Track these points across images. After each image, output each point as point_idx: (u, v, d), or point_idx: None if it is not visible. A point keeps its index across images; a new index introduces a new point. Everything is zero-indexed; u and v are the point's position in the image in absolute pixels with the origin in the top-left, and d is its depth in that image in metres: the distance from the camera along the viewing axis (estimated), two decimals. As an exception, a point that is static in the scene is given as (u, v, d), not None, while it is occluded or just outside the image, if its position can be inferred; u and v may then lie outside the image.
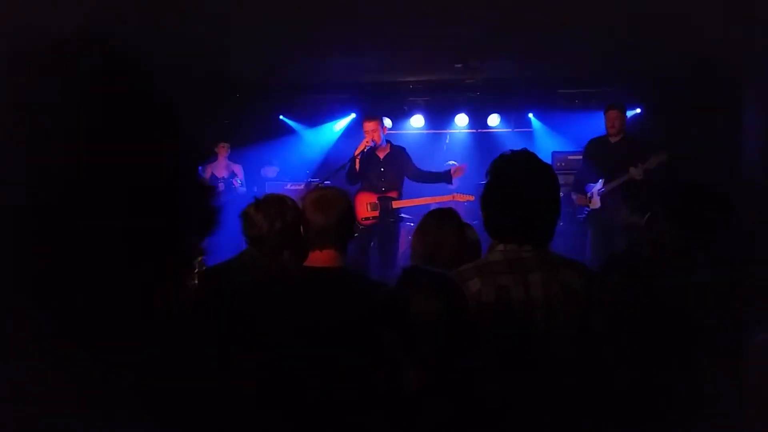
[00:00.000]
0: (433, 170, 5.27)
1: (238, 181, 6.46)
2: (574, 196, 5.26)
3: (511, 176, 1.62)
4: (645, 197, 4.38)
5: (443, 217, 2.36)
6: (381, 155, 5.12)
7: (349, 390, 1.70)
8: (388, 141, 5.18)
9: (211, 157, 6.52)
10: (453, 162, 6.66)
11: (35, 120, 0.60)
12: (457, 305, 1.38)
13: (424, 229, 2.35)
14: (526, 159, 1.65)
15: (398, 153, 5.17)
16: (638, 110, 6.25)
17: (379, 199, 5.06)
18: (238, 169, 6.59)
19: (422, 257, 2.28)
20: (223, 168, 6.54)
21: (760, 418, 1.54)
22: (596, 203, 5.01)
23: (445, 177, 5.15)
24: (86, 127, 0.62)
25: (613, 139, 5.06)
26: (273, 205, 2.37)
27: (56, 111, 0.61)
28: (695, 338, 1.87)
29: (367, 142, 4.99)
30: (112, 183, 0.63)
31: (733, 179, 4.70)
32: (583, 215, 5.18)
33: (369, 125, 5.00)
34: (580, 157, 5.99)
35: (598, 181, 5.03)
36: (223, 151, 6.53)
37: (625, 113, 5.06)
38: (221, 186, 6.40)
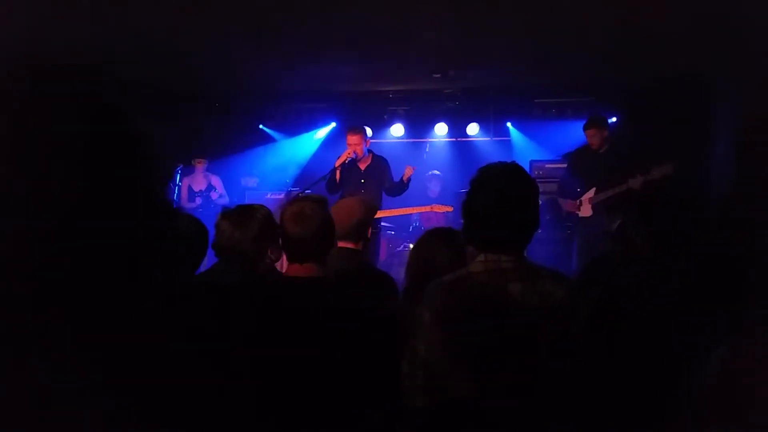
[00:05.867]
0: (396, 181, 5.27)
1: (216, 194, 6.41)
2: (562, 202, 5.20)
3: (495, 187, 1.63)
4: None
5: (439, 236, 2.36)
6: (362, 166, 5.13)
7: (335, 399, 1.69)
8: (370, 151, 5.19)
9: (188, 169, 6.45)
10: (436, 171, 6.72)
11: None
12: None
13: (419, 246, 2.35)
14: (512, 170, 1.66)
15: (379, 164, 5.18)
16: (614, 119, 6.35)
17: (358, 208, 5.05)
18: (216, 180, 6.52)
19: (415, 273, 2.28)
20: (200, 180, 6.47)
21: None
22: (586, 211, 4.97)
23: (402, 185, 5.17)
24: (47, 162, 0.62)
25: (598, 149, 5.02)
26: (238, 214, 2.30)
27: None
28: (671, 344, 1.89)
29: (348, 153, 5.00)
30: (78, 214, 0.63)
31: (703, 185, 4.78)
32: (571, 223, 5.14)
33: (353, 138, 5.03)
34: (558, 165, 6.00)
35: (586, 189, 4.98)
36: (200, 165, 6.46)
37: (604, 128, 4.99)
38: (198, 200, 6.33)
